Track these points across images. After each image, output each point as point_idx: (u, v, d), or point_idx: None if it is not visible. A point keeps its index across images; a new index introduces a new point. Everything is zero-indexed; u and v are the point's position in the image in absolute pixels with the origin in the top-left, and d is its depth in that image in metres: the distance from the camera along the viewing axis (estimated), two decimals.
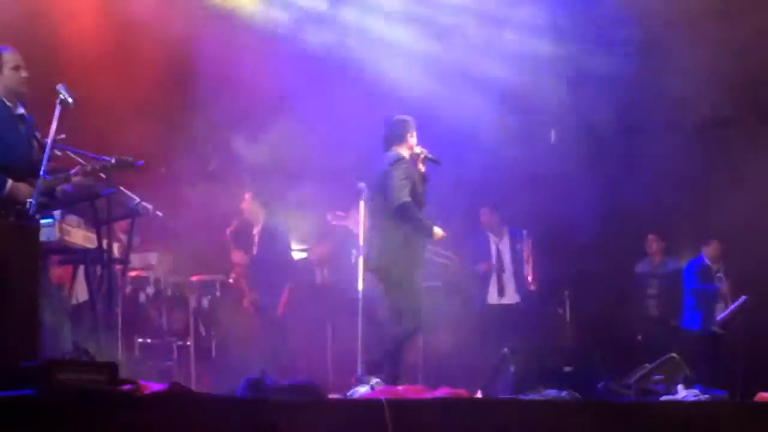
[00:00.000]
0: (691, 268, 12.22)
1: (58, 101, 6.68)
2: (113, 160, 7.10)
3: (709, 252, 12.11)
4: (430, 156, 8.64)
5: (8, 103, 6.85)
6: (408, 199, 8.28)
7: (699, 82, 11.05)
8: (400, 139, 8.57)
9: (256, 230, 10.89)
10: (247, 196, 10.88)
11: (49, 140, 6.55)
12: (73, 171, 6.93)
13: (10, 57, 6.94)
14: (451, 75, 11.64)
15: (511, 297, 11.69)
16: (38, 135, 6.99)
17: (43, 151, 6.57)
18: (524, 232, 11.72)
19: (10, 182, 6.62)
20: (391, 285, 8.33)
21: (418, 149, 8.60)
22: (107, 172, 7.22)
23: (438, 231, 8.42)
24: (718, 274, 12.02)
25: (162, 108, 11.04)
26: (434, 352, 11.48)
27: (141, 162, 7.26)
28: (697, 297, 12.06)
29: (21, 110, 6.99)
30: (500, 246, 11.79)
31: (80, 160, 7.28)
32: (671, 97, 11.35)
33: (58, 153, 7.18)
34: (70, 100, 6.70)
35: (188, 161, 11.48)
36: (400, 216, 8.28)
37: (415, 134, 8.62)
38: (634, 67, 11.42)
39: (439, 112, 10.76)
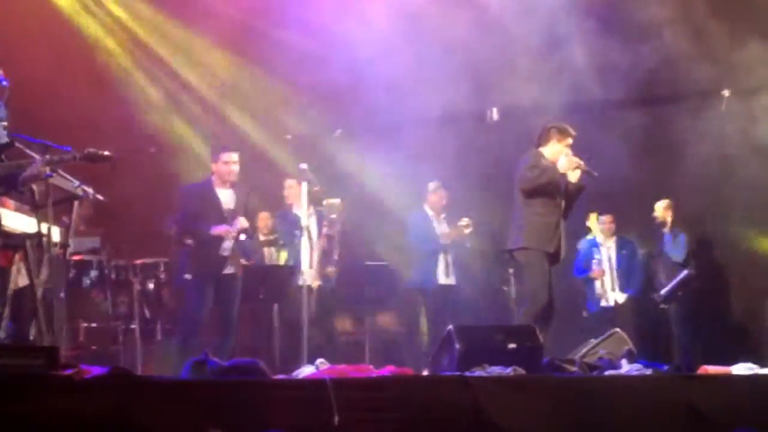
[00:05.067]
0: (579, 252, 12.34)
1: None
2: (85, 152, 7.09)
3: (602, 227, 12.17)
4: None
5: None
6: None
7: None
8: None
9: None
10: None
11: None
12: (38, 160, 6.89)
13: None
14: None
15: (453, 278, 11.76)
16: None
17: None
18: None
19: None
20: None
21: None
22: (75, 163, 7.21)
23: None
24: (596, 257, 12.11)
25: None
26: (380, 331, 11.55)
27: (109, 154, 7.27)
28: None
29: None
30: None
31: (29, 152, 7.20)
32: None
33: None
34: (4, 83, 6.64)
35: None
36: None
37: None
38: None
39: None
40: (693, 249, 11.90)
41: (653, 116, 12.09)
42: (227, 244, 9.71)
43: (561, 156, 9.34)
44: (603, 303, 12.06)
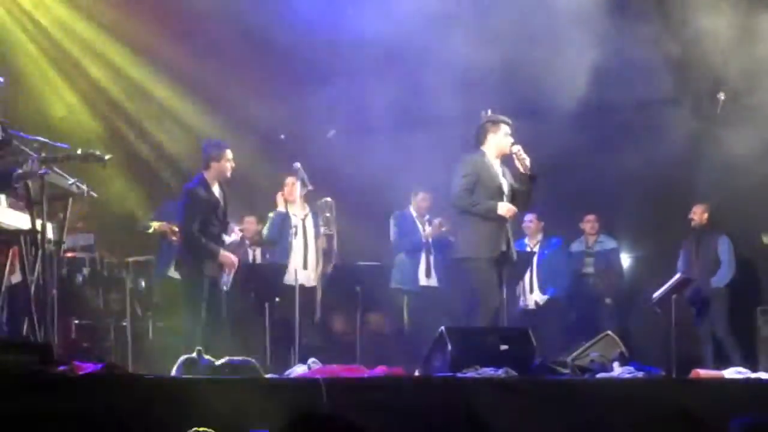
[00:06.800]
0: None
1: None
2: (79, 152, 7.11)
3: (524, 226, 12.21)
4: None
5: None
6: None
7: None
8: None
9: None
10: None
11: None
12: (34, 157, 6.89)
13: None
14: None
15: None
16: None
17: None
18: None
19: None
20: None
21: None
22: (70, 162, 7.22)
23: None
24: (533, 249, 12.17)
25: None
26: (371, 331, 11.54)
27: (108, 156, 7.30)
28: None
29: None
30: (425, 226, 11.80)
31: (24, 148, 7.20)
32: None
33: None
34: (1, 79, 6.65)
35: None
36: None
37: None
38: None
39: None
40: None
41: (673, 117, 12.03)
42: (225, 279, 9.53)
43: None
44: (521, 304, 12.09)
